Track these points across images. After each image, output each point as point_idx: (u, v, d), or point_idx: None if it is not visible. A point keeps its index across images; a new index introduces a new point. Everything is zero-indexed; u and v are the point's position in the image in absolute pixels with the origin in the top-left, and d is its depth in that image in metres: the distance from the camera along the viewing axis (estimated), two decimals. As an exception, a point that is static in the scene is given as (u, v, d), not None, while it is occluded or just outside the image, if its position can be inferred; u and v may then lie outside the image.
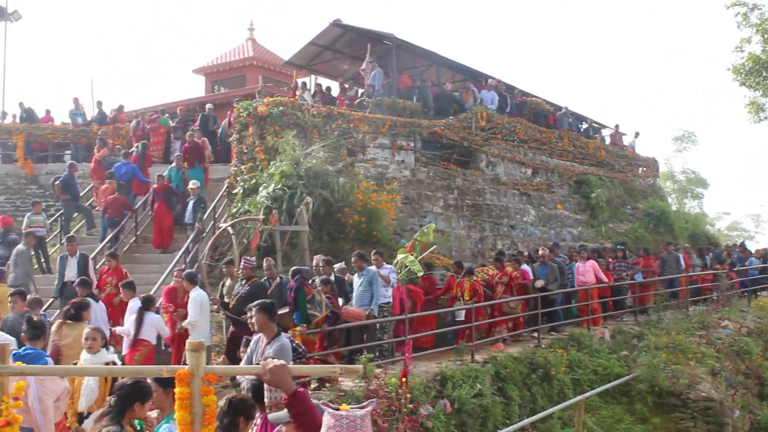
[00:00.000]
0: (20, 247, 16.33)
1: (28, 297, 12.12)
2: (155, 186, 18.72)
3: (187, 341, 4.60)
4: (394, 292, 14.52)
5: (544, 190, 25.46)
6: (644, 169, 33.55)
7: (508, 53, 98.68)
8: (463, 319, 16.15)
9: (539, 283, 17.76)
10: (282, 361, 4.37)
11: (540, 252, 18.75)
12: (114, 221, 18.56)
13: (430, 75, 26.33)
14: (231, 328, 12.88)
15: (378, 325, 13.91)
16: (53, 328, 10.80)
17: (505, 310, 17.02)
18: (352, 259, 14.21)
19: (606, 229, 27.10)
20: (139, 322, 12.33)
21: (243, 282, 12.98)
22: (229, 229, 15.60)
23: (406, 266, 15.94)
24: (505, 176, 23.99)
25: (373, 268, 14.23)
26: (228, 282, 13.66)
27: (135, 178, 19.96)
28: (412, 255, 16.05)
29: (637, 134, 34.59)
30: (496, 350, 15.80)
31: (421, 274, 16.00)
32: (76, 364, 8.94)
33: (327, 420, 4.07)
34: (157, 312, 13.05)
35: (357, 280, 13.99)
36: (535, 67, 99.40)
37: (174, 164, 19.91)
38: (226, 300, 13.12)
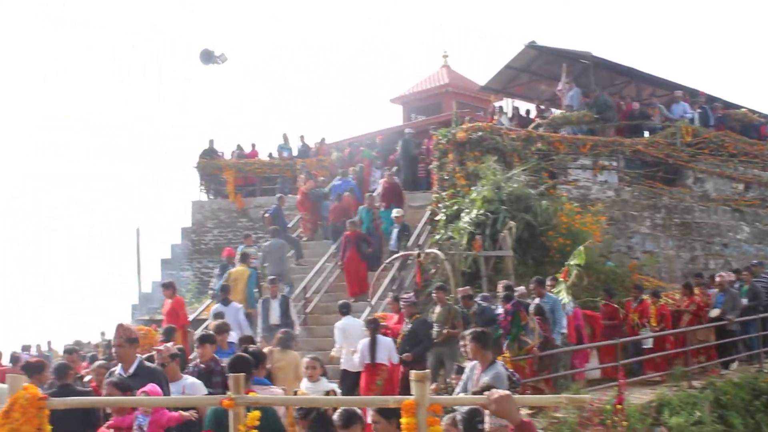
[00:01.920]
0: (274, 241, 18.32)
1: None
2: (347, 232, 18.23)
3: (413, 372, 4.67)
4: (569, 320, 13.93)
5: (758, 205, 24.09)
6: None
7: (713, 63, 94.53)
8: (651, 347, 15.22)
9: (713, 313, 15.77)
10: (507, 392, 4.34)
11: (717, 279, 16.61)
12: (337, 227, 19.54)
13: (630, 92, 25.66)
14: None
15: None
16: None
17: (692, 341, 15.56)
18: (531, 285, 13.72)
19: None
20: (373, 345, 12.41)
21: (407, 320, 12.98)
22: (440, 254, 15.61)
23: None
24: (714, 192, 22.91)
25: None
26: (437, 309, 13.46)
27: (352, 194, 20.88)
28: (565, 281, 15.19)
29: None
30: (715, 375, 15.01)
31: (569, 305, 14.72)
32: (296, 393, 9.29)
33: None
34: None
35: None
36: (745, 76, 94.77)
37: (366, 204, 19.49)
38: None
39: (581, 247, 15.63)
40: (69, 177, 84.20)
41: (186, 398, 6.62)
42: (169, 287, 15.62)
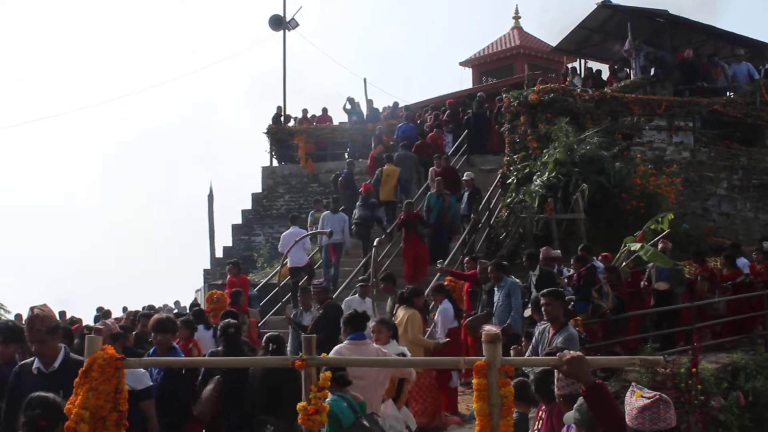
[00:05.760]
0: (404, 152, 19.95)
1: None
2: (402, 215, 16.78)
3: (484, 332, 4.68)
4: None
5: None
6: None
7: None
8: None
9: (660, 286, 14.28)
10: (580, 353, 4.35)
11: (660, 245, 14.79)
12: (426, 162, 20.16)
13: (707, 50, 25.00)
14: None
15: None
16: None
17: (709, 312, 14.35)
18: (489, 270, 12.52)
19: None
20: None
21: (318, 306, 12.25)
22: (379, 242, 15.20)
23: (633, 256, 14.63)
24: (795, 153, 22.26)
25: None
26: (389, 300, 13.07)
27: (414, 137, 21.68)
28: (643, 244, 14.53)
29: None
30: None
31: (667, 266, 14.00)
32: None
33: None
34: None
35: (496, 293, 12.17)
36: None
37: (434, 190, 17.66)
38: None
39: (671, 214, 15.19)
40: (148, 146, 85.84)
41: (255, 359, 6.70)
42: (235, 265, 16.06)
